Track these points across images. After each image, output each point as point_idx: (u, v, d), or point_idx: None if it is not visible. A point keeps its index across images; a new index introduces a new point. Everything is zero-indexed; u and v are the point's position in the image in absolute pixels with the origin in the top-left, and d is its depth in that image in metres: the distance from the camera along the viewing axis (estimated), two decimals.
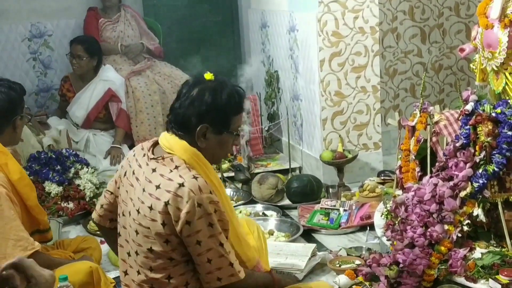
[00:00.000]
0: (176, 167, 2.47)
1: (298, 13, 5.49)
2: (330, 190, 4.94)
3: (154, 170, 2.50)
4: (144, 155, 2.59)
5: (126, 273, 2.63)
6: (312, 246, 3.93)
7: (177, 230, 2.39)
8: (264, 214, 4.69)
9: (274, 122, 6.20)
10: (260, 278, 2.75)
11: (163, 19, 6.94)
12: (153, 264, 2.48)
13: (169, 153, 2.53)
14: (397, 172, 4.26)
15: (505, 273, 3.05)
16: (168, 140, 2.56)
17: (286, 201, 4.98)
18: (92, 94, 6.08)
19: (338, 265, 3.70)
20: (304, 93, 5.55)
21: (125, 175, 2.65)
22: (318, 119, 5.31)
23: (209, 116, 2.49)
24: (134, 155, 2.65)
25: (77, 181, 4.96)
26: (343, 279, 3.49)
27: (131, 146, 6.35)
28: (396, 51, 6.16)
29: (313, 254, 3.82)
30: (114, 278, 3.45)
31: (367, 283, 3.47)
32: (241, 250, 2.69)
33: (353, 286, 3.45)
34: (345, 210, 4.50)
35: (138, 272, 2.54)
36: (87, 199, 4.88)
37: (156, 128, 6.42)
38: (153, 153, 2.58)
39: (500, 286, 3.00)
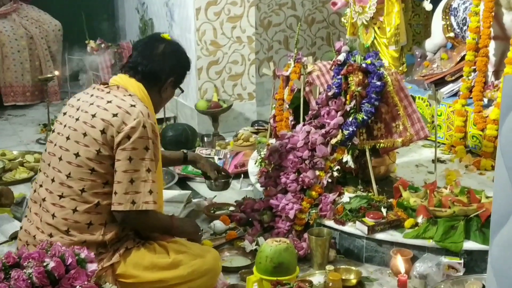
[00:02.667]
0: (131, 95, 2.60)
1: None
2: (205, 139, 4.97)
3: (108, 93, 2.60)
4: (93, 88, 2.69)
5: (38, 189, 2.61)
6: (187, 193, 3.95)
7: (116, 141, 2.46)
8: None
9: None
10: (162, 219, 2.76)
11: None
12: (72, 170, 2.50)
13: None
14: (271, 121, 4.35)
15: (371, 215, 3.22)
16: (124, 79, 2.68)
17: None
18: None
19: (213, 211, 3.75)
20: (179, 41, 5.47)
21: (65, 106, 2.71)
22: (194, 68, 5.28)
23: (178, 71, 2.76)
24: (82, 92, 2.73)
25: None
26: (218, 224, 3.54)
27: None
28: (271, 3, 6.22)
29: (188, 201, 3.85)
30: None
31: (241, 228, 3.55)
32: (160, 193, 2.76)
33: (228, 231, 3.52)
34: (219, 159, 4.55)
35: (53, 180, 2.54)
36: None
37: (24, 74, 6.14)
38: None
39: (366, 228, 3.16)
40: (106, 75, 5.75)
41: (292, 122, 4.03)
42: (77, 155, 2.50)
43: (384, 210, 3.27)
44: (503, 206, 1.28)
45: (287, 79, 4.12)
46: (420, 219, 3.18)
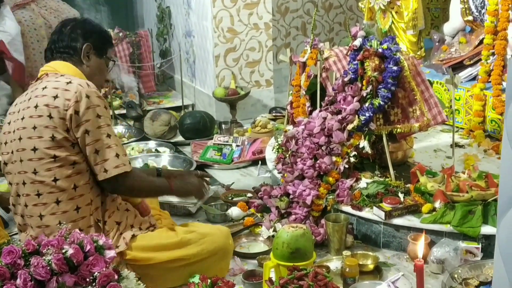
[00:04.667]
0: (62, 75, 2.58)
1: None
2: (223, 126, 4.98)
3: (40, 83, 2.58)
4: (27, 89, 2.68)
5: (17, 201, 2.59)
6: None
7: (66, 120, 2.45)
8: (156, 151, 4.68)
9: (166, 59, 6.13)
10: (155, 179, 2.77)
11: None
12: (36, 165, 2.48)
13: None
14: (288, 107, 4.35)
15: (388, 201, 3.22)
16: (50, 65, 2.65)
17: (179, 138, 4.99)
18: None
19: (230, 198, 3.77)
20: (196, 29, 5.51)
21: (7, 116, 2.67)
22: (211, 55, 5.30)
23: (92, 38, 2.71)
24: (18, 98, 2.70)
25: None
26: (235, 211, 3.57)
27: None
28: None
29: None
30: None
31: (258, 214, 3.56)
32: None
33: (245, 218, 3.53)
34: (237, 146, 4.57)
35: (24, 183, 2.51)
36: None
37: (43, 64, 6.17)
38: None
39: (383, 213, 3.16)
40: (125, 63, 5.79)
41: (309, 108, 4.02)
42: (34, 149, 2.47)
43: (401, 195, 3.26)
44: (510, 188, 1.28)
45: (304, 65, 4.11)
46: (437, 204, 3.17)
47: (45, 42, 6.14)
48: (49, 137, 2.45)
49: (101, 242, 2.29)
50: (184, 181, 2.87)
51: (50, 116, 2.45)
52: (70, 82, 2.50)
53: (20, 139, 2.51)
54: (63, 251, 2.18)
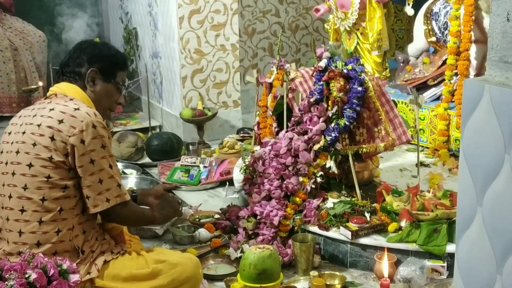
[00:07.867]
0: (71, 99, 2.60)
1: None
2: (190, 147, 4.97)
3: (49, 103, 2.60)
4: (35, 104, 2.70)
5: (2, 206, 2.55)
6: None
7: (69, 146, 2.45)
8: (123, 173, 4.64)
9: (133, 80, 6.10)
10: (144, 210, 2.79)
11: None
12: (28, 181, 2.47)
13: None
14: (255, 128, 4.36)
15: (355, 220, 3.23)
16: (60, 86, 2.68)
17: (146, 159, 4.96)
18: None
19: (198, 220, 3.76)
20: (163, 50, 5.51)
21: (9, 126, 2.67)
22: (178, 77, 5.30)
23: (99, 62, 2.70)
24: (23, 109, 2.73)
25: None
26: (203, 232, 3.55)
27: None
28: (255, 10, 6.24)
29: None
30: None
31: (226, 236, 3.55)
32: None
33: (212, 239, 3.52)
34: (205, 167, 4.56)
35: (10, 196, 2.49)
36: None
37: (10, 85, 6.12)
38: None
39: (350, 233, 3.18)
40: None
41: (276, 129, 4.04)
42: (30, 165, 2.47)
43: (367, 215, 3.28)
44: (467, 208, 1.30)
45: (270, 86, 4.13)
46: (403, 223, 3.20)
47: (10, 64, 6.10)
48: (47, 157, 2.46)
49: (65, 266, 2.26)
50: (162, 207, 2.84)
51: (52, 138, 2.46)
52: (78, 109, 2.51)
53: (17, 152, 2.51)
54: (26, 275, 2.14)
